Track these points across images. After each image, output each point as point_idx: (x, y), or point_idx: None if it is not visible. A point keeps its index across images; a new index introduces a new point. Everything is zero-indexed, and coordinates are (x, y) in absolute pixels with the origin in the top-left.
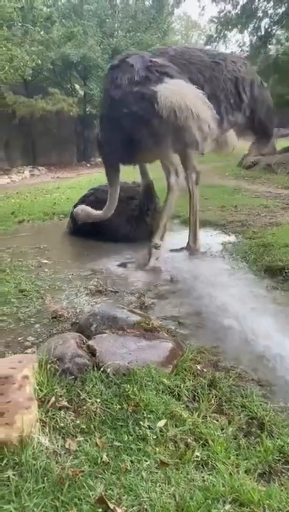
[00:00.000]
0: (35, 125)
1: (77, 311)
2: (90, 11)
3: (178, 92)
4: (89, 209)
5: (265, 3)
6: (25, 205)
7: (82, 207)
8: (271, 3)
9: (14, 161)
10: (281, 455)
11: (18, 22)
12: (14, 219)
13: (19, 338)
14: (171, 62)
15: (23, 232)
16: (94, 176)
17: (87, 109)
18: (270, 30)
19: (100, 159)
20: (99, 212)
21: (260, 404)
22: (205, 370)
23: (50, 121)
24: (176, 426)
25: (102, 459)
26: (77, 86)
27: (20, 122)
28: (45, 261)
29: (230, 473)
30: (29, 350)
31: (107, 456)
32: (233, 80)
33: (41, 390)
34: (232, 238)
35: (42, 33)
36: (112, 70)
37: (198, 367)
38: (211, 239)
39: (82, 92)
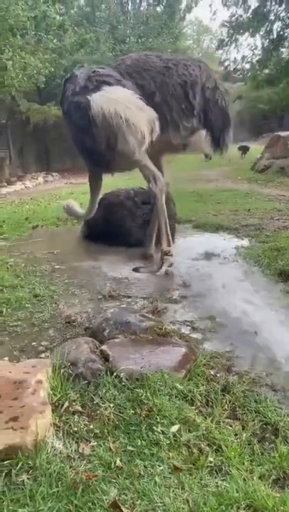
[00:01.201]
0: (48, 131)
1: (91, 316)
2: (102, 18)
3: (110, 99)
4: (75, 206)
5: (277, 6)
6: (39, 210)
7: (70, 202)
8: (283, 6)
9: (28, 167)
10: None
11: (32, 31)
12: (28, 225)
13: (33, 343)
14: (127, 71)
15: (37, 238)
16: (107, 181)
17: None
18: (282, 33)
19: None
20: (81, 211)
21: (275, 410)
22: (218, 374)
23: (63, 128)
24: (189, 431)
25: (115, 463)
26: None
27: (34, 129)
28: (59, 266)
29: (244, 479)
30: (43, 355)
31: (121, 460)
32: (183, 85)
33: (55, 395)
34: (245, 242)
35: (55, 40)
36: (64, 83)
37: (212, 372)
38: (224, 243)
39: None
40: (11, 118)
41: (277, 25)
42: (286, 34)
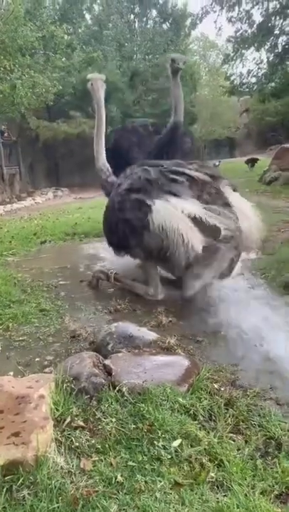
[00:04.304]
0: (58, 148)
1: (96, 330)
2: (109, 36)
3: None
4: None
5: (282, 20)
6: (48, 225)
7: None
8: (288, 21)
9: (38, 183)
10: None
11: (40, 50)
12: (36, 240)
13: (38, 358)
14: None
15: (44, 253)
16: None
17: (108, 130)
18: (287, 46)
19: None
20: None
21: (279, 424)
22: (222, 388)
23: (72, 144)
24: (191, 446)
25: (116, 479)
26: None
27: (43, 145)
28: (65, 281)
29: (246, 495)
30: (47, 370)
31: (122, 476)
32: None
33: (57, 410)
34: (251, 254)
35: (63, 59)
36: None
37: (216, 385)
38: None
39: None
40: (21, 135)
41: (282, 40)
42: None
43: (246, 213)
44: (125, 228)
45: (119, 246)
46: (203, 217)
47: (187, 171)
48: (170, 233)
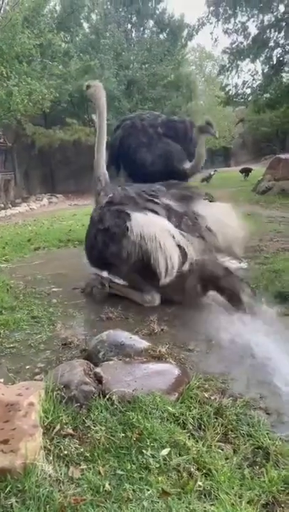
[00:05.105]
0: (53, 154)
1: (87, 337)
2: (106, 45)
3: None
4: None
5: (276, 33)
6: (42, 232)
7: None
8: (282, 34)
9: (34, 189)
10: (286, 485)
11: (38, 57)
12: (30, 246)
13: (29, 365)
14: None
15: (38, 260)
16: None
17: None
18: (281, 59)
19: None
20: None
21: (267, 433)
22: (212, 397)
23: (68, 151)
24: (179, 455)
25: (104, 487)
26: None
27: (39, 152)
28: (58, 288)
29: (233, 504)
30: (38, 377)
31: (110, 484)
32: None
33: (47, 417)
34: (243, 264)
35: (60, 67)
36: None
37: (206, 394)
38: None
39: None
40: (17, 141)
41: (276, 52)
42: (286, 60)
43: (227, 222)
44: (105, 238)
45: (100, 261)
46: (176, 236)
47: (162, 201)
48: (149, 241)
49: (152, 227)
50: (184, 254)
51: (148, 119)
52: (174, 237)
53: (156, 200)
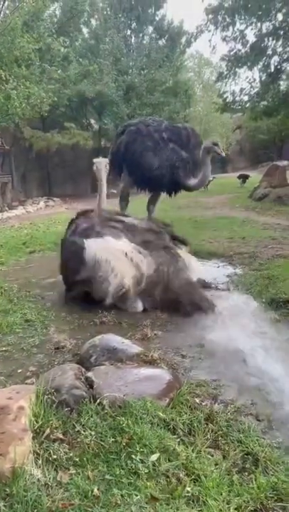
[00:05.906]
0: (51, 158)
1: (80, 342)
2: (105, 50)
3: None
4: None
5: (274, 41)
6: (37, 235)
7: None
8: (280, 42)
9: (31, 192)
10: (274, 492)
11: (36, 62)
12: (26, 249)
13: (21, 369)
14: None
15: (33, 263)
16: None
17: (102, 143)
18: (279, 67)
19: (112, 191)
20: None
21: (257, 440)
22: (203, 403)
23: (66, 154)
24: (169, 460)
25: (92, 492)
26: (92, 120)
27: (36, 155)
28: (52, 292)
29: (221, 510)
30: (29, 381)
31: (98, 489)
32: None
33: (37, 421)
34: (238, 270)
35: (59, 71)
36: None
37: (197, 400)
38: (217, 271)
39: (97, 126)
40: (15, 144)
41: (274, 60)
42: (283, 68)
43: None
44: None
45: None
46: (129, 254)
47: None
48: (102, 263)
49: (105, 252)
50: (139, 272)
51: (153, 125)
52: (127, 255)
53: (116, 225)
